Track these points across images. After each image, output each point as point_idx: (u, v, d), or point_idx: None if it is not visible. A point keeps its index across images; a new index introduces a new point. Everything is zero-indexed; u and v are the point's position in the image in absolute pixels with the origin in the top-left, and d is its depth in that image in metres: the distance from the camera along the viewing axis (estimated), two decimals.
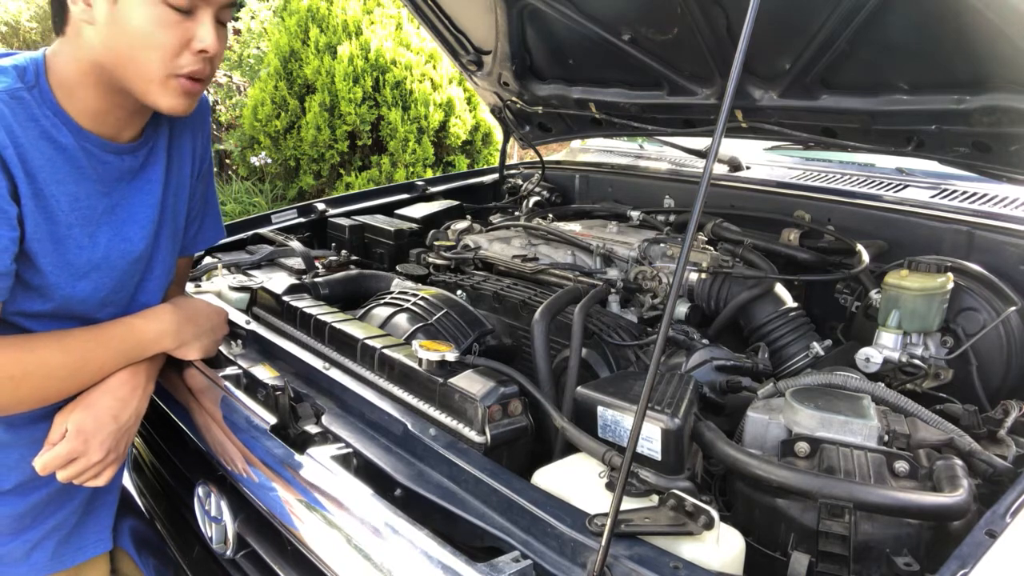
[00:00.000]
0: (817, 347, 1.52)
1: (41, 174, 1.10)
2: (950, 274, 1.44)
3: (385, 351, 1.31)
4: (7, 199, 1.05)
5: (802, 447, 1.03)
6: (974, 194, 1.82)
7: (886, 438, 1.05)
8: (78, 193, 1.15)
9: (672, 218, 2.13)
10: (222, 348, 1.46)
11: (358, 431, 1.18)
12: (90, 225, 1.18)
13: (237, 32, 7.20)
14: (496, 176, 2.82)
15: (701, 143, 2.39)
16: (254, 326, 1.52)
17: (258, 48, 6.92)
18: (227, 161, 6.69)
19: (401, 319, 1.55)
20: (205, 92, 1.24)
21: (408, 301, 1.59)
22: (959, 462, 0.98)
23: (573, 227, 2.08)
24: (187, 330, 1.34)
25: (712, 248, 1.79)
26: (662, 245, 1.87)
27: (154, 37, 1.06)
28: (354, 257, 2.11)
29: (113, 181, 1.22)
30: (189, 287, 1.74)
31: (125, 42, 1.07)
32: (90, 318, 1.23)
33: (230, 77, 7.30)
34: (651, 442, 0.98)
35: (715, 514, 0.85)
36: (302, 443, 1.14)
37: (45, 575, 1.28)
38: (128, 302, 1.29)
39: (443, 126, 6.02)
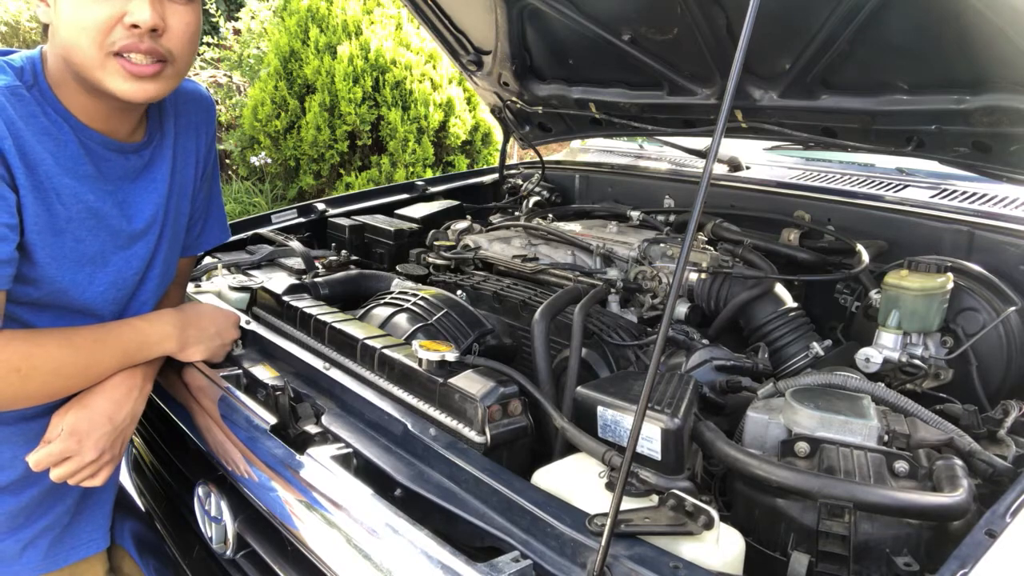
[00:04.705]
0: (817, 347, 1.52)
1: (42, 167, 1.10)
2: (950, 274, 1.44)
3: (385, 351, 1.31)
4: (6, 187, 1.05)
5: (802, 447, 1.03)
6: (974, 194, 1.82)
7: (886, 438, 1.05)
8: (80, 189, 1.16)
9: (672, 218, 2.13)
10: None
11: (358, 431, 1.18)
12: (90, 219, 1.18)
13: (237, 32, 7.20)
14: (496, 176, 2.82)
15: (701, 143, 2.39)
16: (254, 326, 1.52)
17: (258, 48, 6.91)
18: (227, 161, 6.69)
19: (401, 319, 1.55)
20: (209, 93, 1.24)
21: (408, 301, 1.59)
22: (959, 462, 0.98)
23: (573, 227, 2.08)
24: (190, 333, 1.36)
25: (712, 248, 1.79)
26: (662, 245, 1.87)
27: (83, 16, 1.05)
28: (354, 257, 2.11)
29: (117, 179, 1.23)
30: (189, 287, 1.74)
31: (65, 30, 1.07)
32: (88, 310, 1.23)
33: (230, 77, 7.29)
34: (651, 442, 0.98)
35: (715, 514, 0.85)
36: (302, 443, 1.14)
37: (39, 575, 1.28)
38: (128, 299, 1.30)
39: (443, 126, 6.01)
